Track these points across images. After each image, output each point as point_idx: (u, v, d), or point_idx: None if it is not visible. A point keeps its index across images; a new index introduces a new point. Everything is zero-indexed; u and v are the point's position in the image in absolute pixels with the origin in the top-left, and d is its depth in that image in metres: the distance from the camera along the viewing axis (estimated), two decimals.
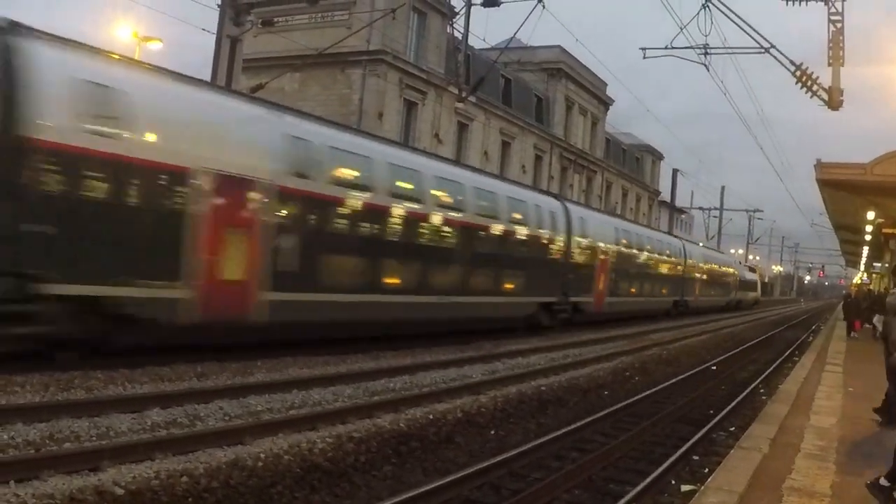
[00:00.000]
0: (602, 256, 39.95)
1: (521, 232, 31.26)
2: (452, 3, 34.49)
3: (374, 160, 23.20)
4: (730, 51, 30.69)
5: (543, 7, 27.28)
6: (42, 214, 14.78)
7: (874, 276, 71.00)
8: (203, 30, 30.46)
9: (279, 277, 19.33)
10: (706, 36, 29.76)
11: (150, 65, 19.22)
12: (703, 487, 9.52)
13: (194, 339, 17.91)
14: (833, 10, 24.48)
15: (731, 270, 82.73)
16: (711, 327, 48.14)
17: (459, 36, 28.66)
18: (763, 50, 26.91)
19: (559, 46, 64.85)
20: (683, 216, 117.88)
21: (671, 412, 17.98)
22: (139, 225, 16.41)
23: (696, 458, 13.84)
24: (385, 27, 40.70)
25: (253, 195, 18.64)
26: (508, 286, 30.61)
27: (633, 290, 45.94)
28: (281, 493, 10.69)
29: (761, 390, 22.47)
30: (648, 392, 20.17)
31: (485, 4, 27.25)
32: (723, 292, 77.52)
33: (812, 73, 25.60)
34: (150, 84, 17.36)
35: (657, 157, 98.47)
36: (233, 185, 18.09)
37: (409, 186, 24.54)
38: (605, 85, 75.52)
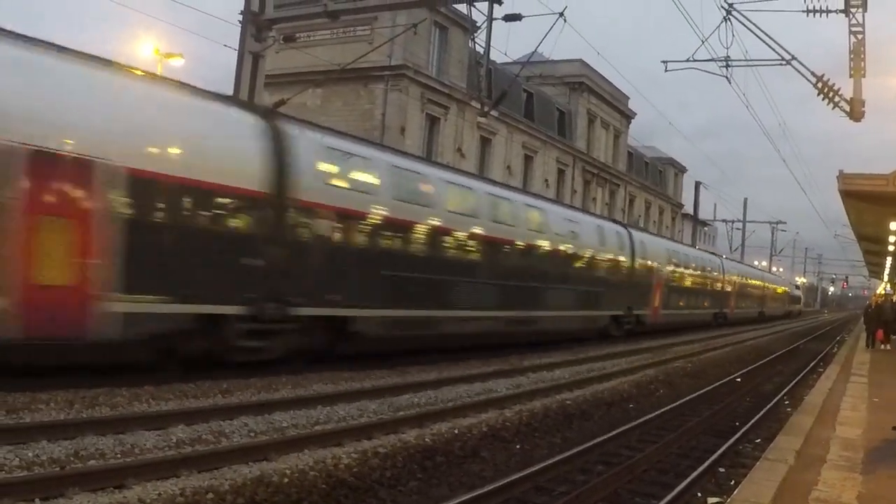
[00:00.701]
0: (657, 274, 45.64)
1: (599, 255, 37.04)
2: (474, 17, 34.58)
3: (478, 193, 28.14)
4: (751, 63, 30.69)
5: (565, 21, 27.35)
6: (298, 257, 19.55)
7: None
8: (225, 45, 30.66)
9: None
10: (727, 48, 29.63)
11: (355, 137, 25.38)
12: (729, 500, 9.53)
13: None
14: (854, 21, 24.45)
15: (784, 289, 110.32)
16: (735, 339, 48.07)
17: (481, 50, 28.62)
18: (784, 62, 26.89)
19: (581, 60, 64.91)
20: (707, 228, 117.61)
21: (696, 424, 17.93)
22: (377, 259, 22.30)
23: (721, 470, 13.81)
24: (407, 42, 40.83)
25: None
26: (589, 302, 36.00)
27: (681, 303, 51.88)
28: None
29: (786, 402, 22.39)
30: (673, 405, 20.11)
31: (506, 19, 27.24)
32: (774, 305, 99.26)
33: (834, 84, 25.58)
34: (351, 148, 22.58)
35: (680, 169, 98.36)
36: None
37: (508, 216, 29.20)
38: (627, 98, 75.56)
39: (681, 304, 51.57)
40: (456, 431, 14.79)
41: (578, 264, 34.88)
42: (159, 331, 16.67)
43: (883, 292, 72.53)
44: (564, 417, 17.92)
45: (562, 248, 33.02)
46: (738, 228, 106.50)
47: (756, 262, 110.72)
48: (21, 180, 14.47)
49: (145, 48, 30.65)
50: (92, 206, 15.48)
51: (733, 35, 27.63)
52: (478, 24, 30.25)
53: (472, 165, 48.51)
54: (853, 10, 24.31)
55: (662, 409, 19.25)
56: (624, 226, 44.72)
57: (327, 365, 20.36)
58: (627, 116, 76.45)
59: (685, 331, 50.70)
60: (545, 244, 31.49)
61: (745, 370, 29.75)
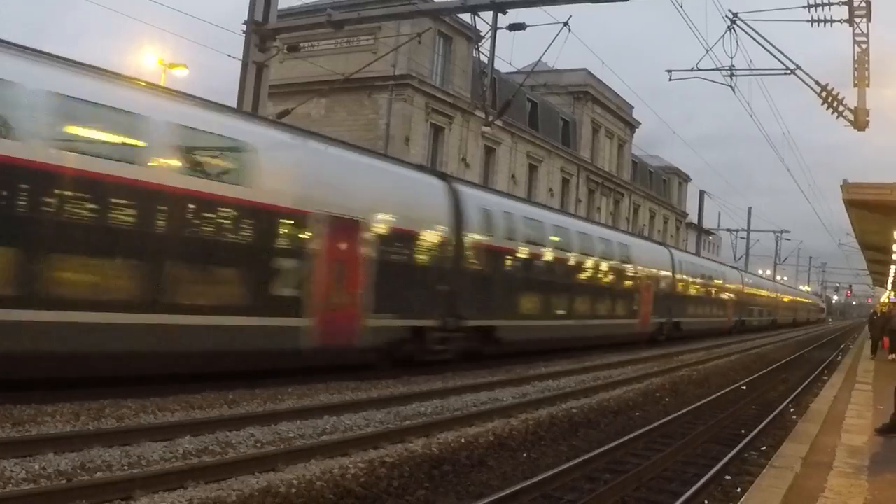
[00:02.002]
0: (692, 287, 54.42)
1: (651, 273, 44.63)
2: (478, 26, 34.65)
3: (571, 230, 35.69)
4: (755, 72, 30.68)
5: (569, 30, 27.33)
6: (467, 283, 26.46)
7: None
8: (229, 56, 30.72)
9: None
10: (732, 58, 29.67)
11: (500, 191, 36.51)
12: None
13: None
14: (858, 31, 24.47)
15: (809, 300, 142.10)
16: (740, 348, 48.03)
17: (485, 60, 28.64)
18: (789, 71, 26.90)
19: (585, 70, 65.01)
20: (711, 237, 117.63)
21: (702, 432, 17.94)
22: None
23: (728, 478, 13.82)
24: (411, 52, 40.90)
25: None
26: (645, 311, 43.31)
27: (712, 312, 61.17)
28: None
29: (791, 409, 22.40)
30: (679, 413, 20.12)
31: (510, 28, 27.23)
32: (806, 314, 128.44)
33: (838, 93, 25.58)
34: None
35: (684, 178, 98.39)
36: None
37: (601, 250, 37.90)
38: (632, 107, 75.62)
39: (708, 312, 60.16)
40: (462, 440, 14.81)
41: (635, 279, 42.40)
42: (390, 339, 23.02)
43: (887, 300, 72.47)
44: (571, 426, 17.93)
45: (618, 266, 40.06)
46: (742, 237, 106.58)
47: (760, 272, 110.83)
48: (322, 237, 20.50)
49: (149, 58, 30.64)
50: (358, 253, 21.74)
51: (738, 45, 27.83)
52: (482, 34, 30.23)
53: (476, 175, 48.58)
54: (857, 20, 24.34)
55: (668, 417, 19.27)
56: (667, 246, 55.71)
57: (333, 375, 20.39)
58: (632, 125, 76.52)
59: (697, 339, 53.31)
60: (629, 269, 41.13)
61: (750, 378, 29.77)
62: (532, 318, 30.98)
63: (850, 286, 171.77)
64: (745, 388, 27.02)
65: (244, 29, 29.73)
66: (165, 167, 16.84)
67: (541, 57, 30.55)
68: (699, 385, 27.72)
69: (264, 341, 19.19)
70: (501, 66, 44.86)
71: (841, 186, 24.10)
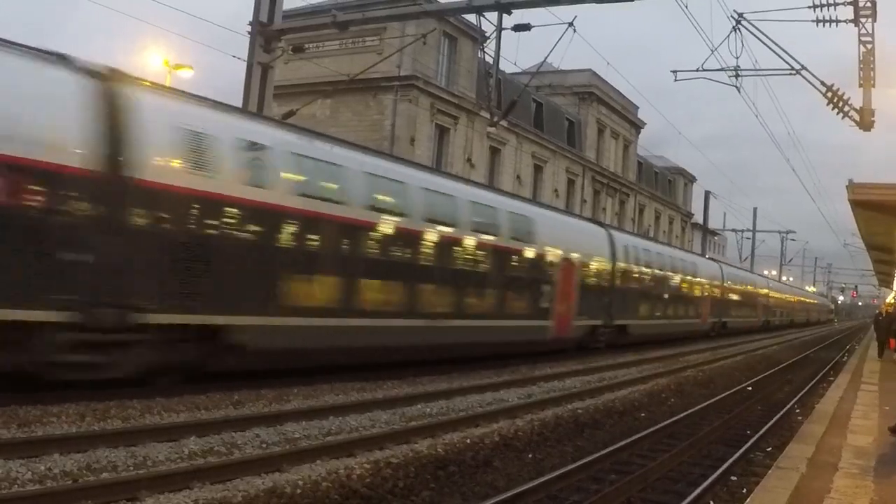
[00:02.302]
0: (732, 293, 64.68)
1: (704, 282, 55.28)
2: (483, 27, 34.60)
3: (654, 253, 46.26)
4: (761, 73, 30.63)
5: (574, 31, 27.34)
6: (617, 295, 37.54)
7: None
8: (234, 56, 30.65)
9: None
10: (737, 58, 29.49)
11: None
12: None
13: None
14: (863, 30, 24.43)
15: (820, 302, 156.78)
16: (746, 349, 48.02)
17: (490, 60, 28.66)
18: (794, 71, 26.87)
19: (590, 70, 64.98)
20: (716, 238, 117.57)
21: (708, 433, 17.92)
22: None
23: (734, 478, 13.80)
24: (416, 52, 40.93)
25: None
26: (703, 312, 54.47)
27: (745, 312, 71.12)
28: None
29: (797, 410, 22.37)
30: (685, 413, 20.10)
31: (516, 29, 27.23)
32: (819, 315, 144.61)
33: (843, 94, 25.55)
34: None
35: (689, 179, 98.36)
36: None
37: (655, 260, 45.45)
38: (637, 108, 75.64)
39: (744, 312, 71.25)
40: (468, 441, 14.81)
41: (689, 286, 51.89)
42: (583, 333, 34.66)
43: (893, 301, 72.38)
44: (576, 426, 17.92)
45: (689, 278, 51.57)
46: (747, 238, 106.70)
47: (766, 272, 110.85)
48: (560, 270, 31.73)
49: (154, 59, 30.67)
50: (573, 279, 32.87)
51: (743, 45, 27.71)
52: (487, 35, 30.22)
53: (481, 175, 48.58)
54: (862, 19, 24.30)
55: (674, 418, 19.24)
56: (716, 260, 69.59)
57: (338, 376, 20.37)
58: (637, 126, 76.50)
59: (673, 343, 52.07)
60: (668, 274, 47.44)
61: (755, 379, 29.76)
62: (649, 318, 43.40)
63: (856, 287, 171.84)
64: (750, 388, 27.00)
65: (249, 30, 29.75)
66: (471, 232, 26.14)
67: (546, 57, 30.53)
68: (704, 386, 27.71)
69: (533, 334, 29.85)
70: (506, 66, 44.67)
71: (847, 187, 24.11)
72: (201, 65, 51.95)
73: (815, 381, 30.23)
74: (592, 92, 65.66)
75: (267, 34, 29.01)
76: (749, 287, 73.34)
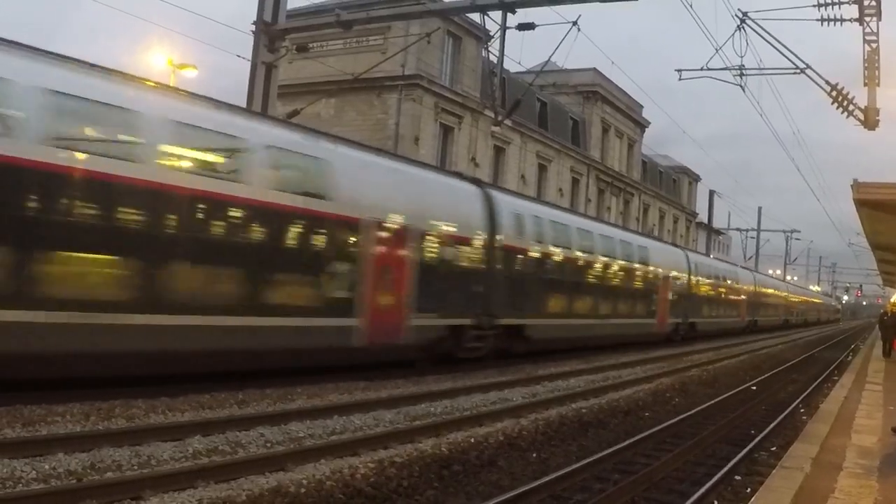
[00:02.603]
0: (762, 296, 77.48)
1: (743, 287, 67.45)
2: (487, 26, 34.59)
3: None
4: (765, 72, 30.63)
5: (578, 30, 27.31)
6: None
7: None
8: (238, 56, 30.64)
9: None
10: (741, 57, 29.60)
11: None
12: None
13: None
14: (868, 29, 24.42)
15: (829, 303, 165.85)
16: (750, 348, 47.99)
17: (494, 59, 28.67)
18: (798, 71, 26.86)
19: (594, 69, 64.96)
20: (721, 237, 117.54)
21: (712, 432, 17.91)
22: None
23: (738, 478, 13.80)
24: (420, 52, 40.92)
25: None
26: (741, 312, 67.01)
27: (771, 313, 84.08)
28: None
29: (801, 410, 22.37)
30: (689, 413, 20.10)
31: (520, 28, 27.23)
32: (826, 315, 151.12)
33: (848, 93, 25.53)
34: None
35: (694, 178, 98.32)
36: None
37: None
38: (641, 107, 75.56)
39: (771, 313, 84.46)
40: (472, 440, 14.81)
41: (735, 293, 64.95)
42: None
43: None
44: (580, 426, 17.92)
45: (733, 285, 63.98)
46: (752, 237, 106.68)
47: (771, 272, 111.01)
48: (661, 284, 40.06)
49: (158, 59, 30.63)
50: (667, 290, 36.65)
51: (747, 44, 27.74)
52: (491, 34, 30.29)
53: (486, 174, 48.55)
54: (867, 18, 24.30)
55: (678, 418, 19.24)
56: (751, 270, 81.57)
57: (341, 376, 20.40)
58: (641, 125, 76.47)
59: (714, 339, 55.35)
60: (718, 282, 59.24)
61: (760, 378, 29.75)
62: (710, 318, 55.62)
63: (861, 286, 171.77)
64: (754, 388, 26.99)
65: (253, 29, 29.74)
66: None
67: (550, 56, 30.55)
68: (709, 385, 27.70)
69: (646, 329, 38.57)
70: (510, 65, 44.98)
71: (851, 186, 24.04)
72: (206, 63, 51.91)
73: (819, 380, 30.22)
74: (597, 91, 65.64)
75: (271, 33, 29.00)
76: (774, 291, 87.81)
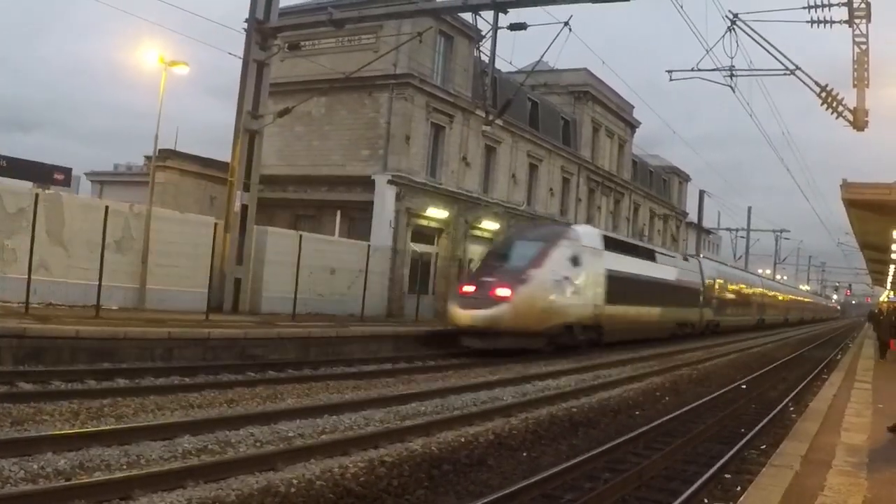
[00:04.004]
0: (768, 298, 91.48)
1: (754, 291, 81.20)
2: (479, 26, 34.60)
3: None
4: (755, 73, 30.69)
5: (570, 30, 27.37)
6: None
7: None
8: (230, 54, 30.62)
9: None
10: (732, 58, 29.47)
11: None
12: None
13: None
14: (858, 31, 24.48)
15: (827, 303, 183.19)
16: (740, 347, 48.13)
17: (486, 59, 28.74)
18: (788, 72, 26.90)
19: (585, 69, 64.90)
20: (711, 237, 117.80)
21: (702, 431, 17.96)
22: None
23: (728, 476, 13.84)
24: (412, 51, 40.81)
25: None
26: (752, 312, 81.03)
27: (776, 312, 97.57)
28: None
29: (791, 408, 22.42)
30: (679, 411, 20.15)
31: (511, 28, 27.31)
32: (821, 313, 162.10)
33: (837, 94, 25.59)
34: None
35: (684, 178, 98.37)
36: None
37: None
38: (632, 107, 75.57)
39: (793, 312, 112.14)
40: (462, 440, 14.85)
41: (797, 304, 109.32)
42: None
43: (887, 300, 72.55)
44: (571, 425, 17.96)
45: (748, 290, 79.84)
46: (741, 237, 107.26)
47: (760, 271, 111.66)
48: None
49: (150, 56, 30.53)
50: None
51: (738, 45, 27.75)
52: (483, 33, 30.32)
53: (476, 174, 48.60)
54: (857, 20, 24.37)
55: (668, 416, 19.30)
56: (759, 276, 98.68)
57: (332, 376, 20.43)
58: (632, 125, 76.45)
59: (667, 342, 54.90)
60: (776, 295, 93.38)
61: (750, 377, 29.83)
62: (734, 316, 69.29)
63: (850, 285, 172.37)
64: (744, 386, 27.07)
65: (245, 27, 29.76)
66: None
67: (541, 56, 30.72)
68: (699, 384, 27.77)
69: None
70: (502, 65, 44.82)
71: (840, 186, 24.09)
72: (199, 60, 51.64)
73: (809, 379, 30.26)
74: (588, 91, 65.58)
75: (263, 31, 29.07)
76: (778, 294, 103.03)
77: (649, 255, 46.36)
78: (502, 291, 29.98)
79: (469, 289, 31.45)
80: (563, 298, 32.62)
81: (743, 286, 75.00)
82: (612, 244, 39.75)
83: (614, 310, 37.04)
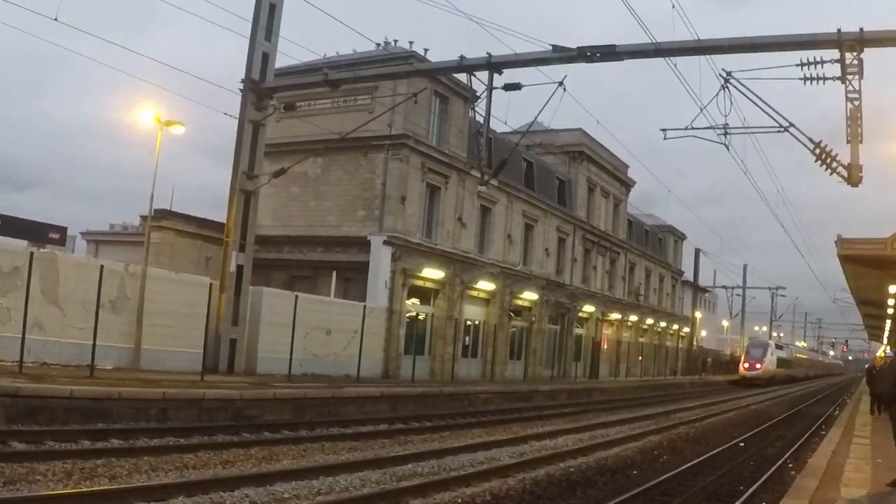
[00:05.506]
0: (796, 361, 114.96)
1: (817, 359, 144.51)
2: (474, 86, 34.78)
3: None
4: (749, 130, 30.68)
5: (564, 90, 27.48)
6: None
7: None
8: (225, 114, 30.71)
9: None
10: (726, 116, 29.50)
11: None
12: None
13: None
14: (850, 87, 24.54)
15: (833, 362, 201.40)
16: (737, 405, 48.00)
17: (481, 119, 28.84)
18: (782, 129, 26.96)
19: (580, 129, 65.19)
20: (707, 295, 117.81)
21: (701, 489, 17.83)
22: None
23: None
24: (407, 111, 41.00)
25: None
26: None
27: (800, 370, 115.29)
28: None
29: (790, 465, 22.28)
30: (677, 470, 20.01)
31: (506, 88, 27.42)
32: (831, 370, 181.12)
33: (831, 150, 25.63)
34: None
35: (679, 237, 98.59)
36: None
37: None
38: (627, 167, 75.88)
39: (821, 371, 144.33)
40: (459, 501, 14.77)
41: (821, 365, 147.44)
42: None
43: (883, 355, 72.44)
44: (568, 485, 17.81)
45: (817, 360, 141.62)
46: (738, 294, 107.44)
47: (756, 328, 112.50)
48: None
49: (146, 116, 30.57)
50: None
51: (731, 103, 27.57)
52: (478, 94, 30.44)
53: (472, 234, 48.67)
54: (849, 77, 24.45)
55: (667, 475, 19.15)
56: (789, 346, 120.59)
57: (328, 437, 20.33)
58: (627, 185, 76.70)
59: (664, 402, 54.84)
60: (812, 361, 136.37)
61: (747, 434, 29.68)
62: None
63: (846, 341, 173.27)
64: (742, 444, 26.93)
65: (241, 87, 29.89)
66: None
67: (536, 116, 30.70)
68: (697, 442, 27.63)
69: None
70: (497, 125, 44.95)
71: (836, 242, 24.17)
72: (196, 120, 51.88)
73: (807, 435, 30.13)
74: (583, 151, 65.79)
75: (259, 92, 29.19)
76: (802, 356, 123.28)
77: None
78: (758, 365, 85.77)
79: (747, 364, 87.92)
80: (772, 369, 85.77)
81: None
82: (777, 346, 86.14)
83: (778, 371, 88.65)
